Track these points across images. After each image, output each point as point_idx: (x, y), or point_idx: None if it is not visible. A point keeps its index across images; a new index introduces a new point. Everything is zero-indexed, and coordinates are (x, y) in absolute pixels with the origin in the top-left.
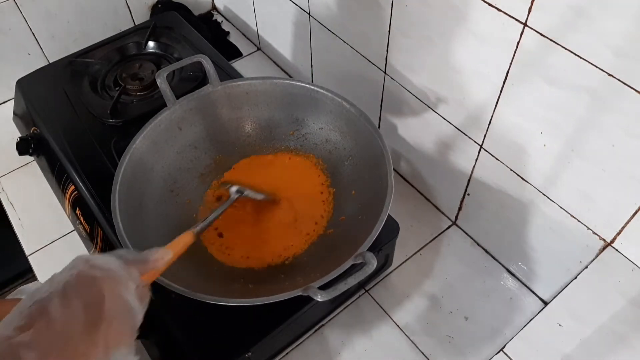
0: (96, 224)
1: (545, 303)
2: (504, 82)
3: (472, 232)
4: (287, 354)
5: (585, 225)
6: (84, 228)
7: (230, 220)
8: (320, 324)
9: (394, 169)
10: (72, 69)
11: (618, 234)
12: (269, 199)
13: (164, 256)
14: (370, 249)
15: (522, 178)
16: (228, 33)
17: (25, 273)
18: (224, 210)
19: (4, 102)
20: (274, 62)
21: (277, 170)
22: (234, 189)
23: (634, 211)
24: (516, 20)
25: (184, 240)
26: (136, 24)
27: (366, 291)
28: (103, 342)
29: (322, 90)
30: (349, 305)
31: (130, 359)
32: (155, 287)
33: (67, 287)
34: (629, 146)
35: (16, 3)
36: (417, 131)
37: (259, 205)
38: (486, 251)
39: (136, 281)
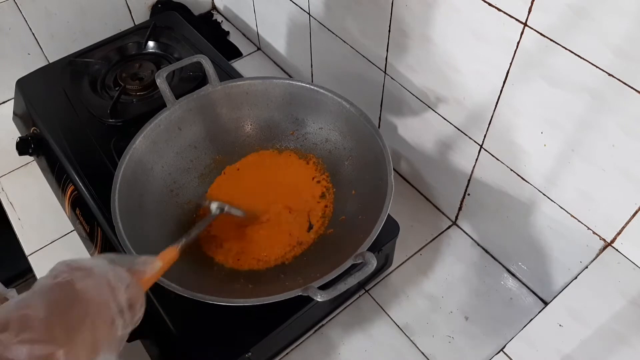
0: (96, 224)
1: (545, 303)
2: (504, 82)
3: (472, 232)
4: (287, 354)
5: (585, 225)
6: (84, 228)
7: (229, 223)
8: (320, 324)
9: (394, 169)
10: (72, 68)
11: (618, 234)
12: (247, 216)
13: (154, 262)
14: (370, 249)
15: (522, 178)
16: (228, 33)
17: (25, 273)
18: (206, 226)
19: (4, 102)
20: (274, 62)
21: (277, 171)
22: (214, 205)
23: (634, 211)
24: (516, 20)
25: (170, 254)
26: (136, 24)
27: (366, 291)
28: (82, 347)
29: (322, 90)
30: (349, 305)
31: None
32: (156, 287)
33: (45, 289)
34: (629, 146)
35: (16, 3)
36: (417, 131)
37: (258, 208)
38: (486, 251)
39: (125, 281)
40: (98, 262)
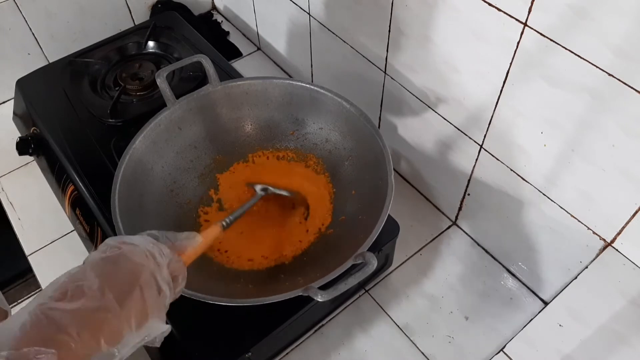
0: (96, 224)
1: (545, 303)
2: (504, 82)
3: (472, 232)
4: (287, 354)
5: (585, 225)
6: (84, 228)
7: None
8: (321, 324)
9: (394, 169)
10: (72, 69)
11: (618, 234)
12: (292, 195)
13: (194, 238)
14: (371, 249)
15: (522, 178)
16: (228, 33)
17: (25, 273)
18: (251, 206)
19: (4, 102)
20: (274, 62)
21: (277, 173)
22: (258, 187)
23: (634, 211)
24: (516, 20)
25: (214, 231)
26: (136, 24)
27: (366, 291)
28: (134, 312)
29: (322, 90)
30: (349, 305)
31: (162, 328)
32: None
33: (98, 261)
34: (629, 146)
35: (16, 3)
36: (417, 131)
37: (260, 208)
38: (486, 251)
39: (168, 256)
40: (143, 239)
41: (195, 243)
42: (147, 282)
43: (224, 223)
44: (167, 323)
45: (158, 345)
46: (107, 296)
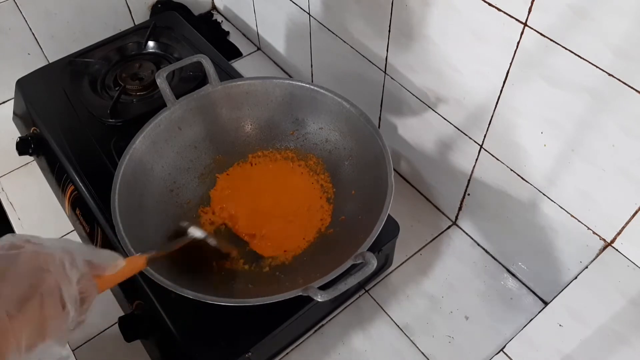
0: (96, 224)
1: (545, 303)
2: (504, 82)
3: (472, 232)
4: (287, 354)
5: (585, 225)
6: (84, 228)
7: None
8: (320, 324)
9: (394, 169)
10: (72, 68)
11: (618, 234)
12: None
13: (116, 261)
14: (370, 249)
15: (522, 178)
16: (228, 33)
17: None
18: (179, 246)
19: (4, 102)
20: (274, 62)
21: (276, 174)
22: (196, 232)
23: (634, 211)
24: (516, 20)
25: (137, 262)
26: (136, 23)
27: (366, 291)
28: (27, 327)
29: (322, 90)
30: (349, 305)
31: (58, 353)
32: (156, 287)
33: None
34: (629, 146)
35: (16, 3)
36: (417, 131)
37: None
38: (486, 251)
39: (80, 270)
40: (54, 242)
41: (116, 268)
42: (50, 292)
43: (148, 256)
44: (64, 349)
45: None
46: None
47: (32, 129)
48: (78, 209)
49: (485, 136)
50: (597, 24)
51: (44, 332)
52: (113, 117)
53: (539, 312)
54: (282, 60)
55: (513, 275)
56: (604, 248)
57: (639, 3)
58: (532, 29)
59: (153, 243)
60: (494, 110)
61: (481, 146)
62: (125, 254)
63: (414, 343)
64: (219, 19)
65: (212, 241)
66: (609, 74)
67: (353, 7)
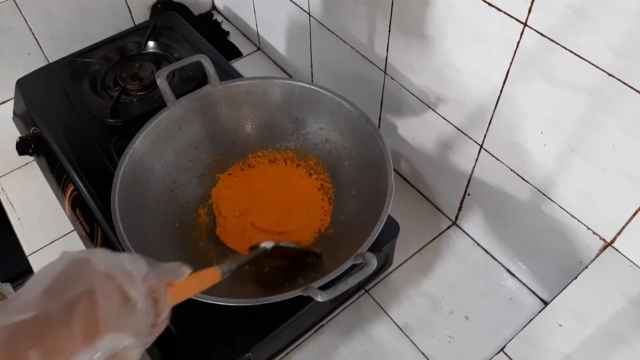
0: (96, 224)
1: (545, 303)
2: (504, 82)
3: (472, 232)
4: (287, 354)
5: (585, 225)
6: (84, 228)
7: (231, 224)
8: (320, 324)
9: (394, 169)
10: (72, 69)
11: (618, 234)
12: (301, 248)
13: (180, 269)
14: (371, 249)
15: (522, 178)
16: (228, 33)
17: (25, 273)
18: (252, 258)
19: (4, 102)
20: (274, 62)
21: (276, 175)
22: (267, 244)
23: (634, 211)
24: (516, 20)
25: (211, 273)
26: (136, 23)
27: (366, 291)
28: (81, 322)
29: (322, 90)
30: (349, 305)
31: (134, 346)
32: None
33: (47, 271)
34: (629, 146)
35: (16, 3)
36: (417, 131)
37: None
38: (486, 251)
39: (142, 268)
40: (109, 251)
41: (183, 275)
42: (102, 285)
43: (224, 270)
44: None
45: None
46: (49, 302)
47: (32, 129)
48: (78, 209)
49: (485, 136)
50: (597, 24)
51: (97, 325)
52: (113, 117)
53: (539, 312)
54: (282, 60)
55: (513, 275)
56: (604, 248)
57: (639, 3)
58: (532, 29)
59: (153, 243)
60: (494, 110)
61: (481, 146)
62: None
63: (414, 343)
64: (219, 19)
65: (287, 244)
66: (609, 74)
67: (353, 7)
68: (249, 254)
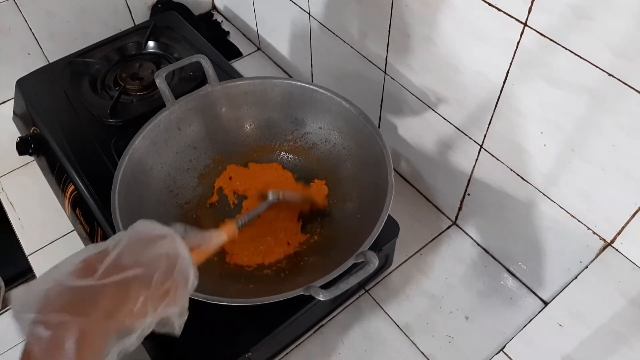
0: (96, 223)
1: (545, 303)
2: (504, 82)
3: (472, 232)
4: (287, 354)
5: (585, 225)
6: (84, 228)
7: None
8: (320, 324)
9: (394, 169)
10: (72, 69)
11: (618, 234)
12: (303, 199)
13: (220, 238)
14: (371, 249)
15: (522, 178)
16: (228, 33)
17: (25, 273)
18: (265, 209)
19: (4, 102)
20: (274, 62)
21: (275, 174)
22: (271, 194)
23: (634, 211)
24: (516, 20)
25: (228, 227)
26: (136, 24)
27: (366, 291)
28: (162, 292)
29: (322, 90)
30: (349, 305)
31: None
32: None
33: (127, 239)
34: (629, 146)
35: (16, 3)
36: (417, 131)
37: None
38: (486, 251)
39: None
40: (165, 226)
41: (220, 240)
42: (181, 265)
43: (239, 223)
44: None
45: (178, 333)
46: (141, 270)
47: (32, 129)
48: (78, 209)
49: (485, 136)
50: (597, 24)
51: (175, 299)
52: (113, 117)
53: (539, 312)
54: (282, 60)
55: (513, 275)
56: (604, 248)
57: (639, 3)
58: (532, 29)
59: None
60: (494, 110)
61: (481, 146)
62: None
63: (414, 343)
64: (219, 19)
65: (293, 196)
66: (609, 74)
67: (353, 8)
68: (260, 206)
